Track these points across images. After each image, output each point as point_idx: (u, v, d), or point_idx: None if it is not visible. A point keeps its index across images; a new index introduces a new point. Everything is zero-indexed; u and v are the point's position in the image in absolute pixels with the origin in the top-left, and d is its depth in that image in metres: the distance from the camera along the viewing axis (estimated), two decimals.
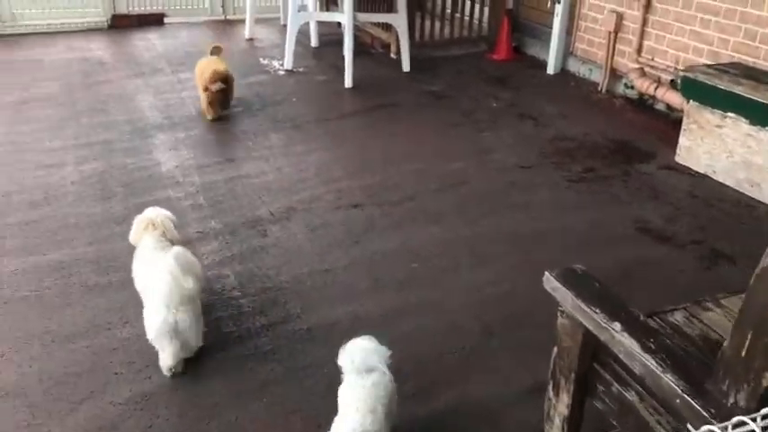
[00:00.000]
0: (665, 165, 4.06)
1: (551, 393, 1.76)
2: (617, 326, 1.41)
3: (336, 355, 1.98)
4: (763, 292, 1.13)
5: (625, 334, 1.39)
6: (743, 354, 1.17)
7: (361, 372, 1.90)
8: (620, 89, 5.14)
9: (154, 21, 6.84)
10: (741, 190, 3.70)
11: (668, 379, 1.27)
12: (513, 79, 5.56)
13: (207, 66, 4.44)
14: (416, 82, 5.40)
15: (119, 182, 3.65)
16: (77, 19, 6.57)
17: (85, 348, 2.46)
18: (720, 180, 3.81)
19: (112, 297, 2.73)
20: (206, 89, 4.34)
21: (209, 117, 4.45)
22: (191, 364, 2.37)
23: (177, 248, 2.29)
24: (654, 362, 1.31)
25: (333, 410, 1.92)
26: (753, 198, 3.64)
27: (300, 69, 5.57)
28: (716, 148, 3.80)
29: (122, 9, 6.70)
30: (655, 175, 3.94)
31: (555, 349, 1.71)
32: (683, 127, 4.00)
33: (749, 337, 1.15)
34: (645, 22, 4.80)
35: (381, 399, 1.86)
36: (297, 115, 4.67)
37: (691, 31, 4.50)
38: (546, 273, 1.62)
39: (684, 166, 4.00)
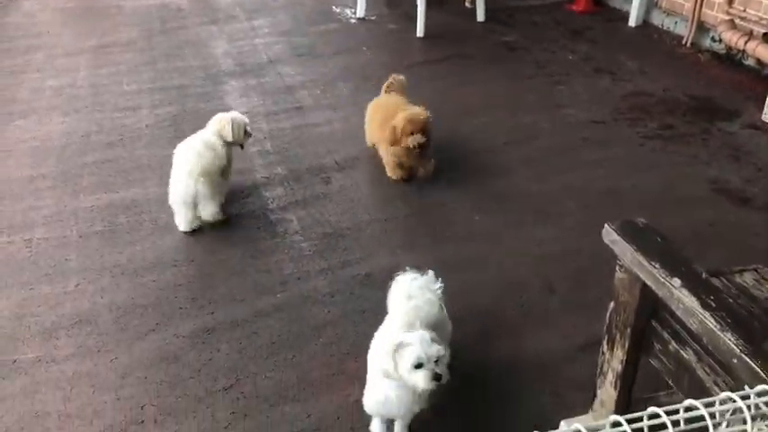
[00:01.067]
0: (750, 124, 3.83)
1: (605, 348, 1.72)
2: (676, 282, 1.35)
3: None
4: None
5: (684, 290, 1.33)
6: None
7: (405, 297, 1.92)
8: (707, 43, 4.85)
9: None
10: None
11: (726, 338, 1.22)
12: (591, 31, 5.33)
13: (389, 108, 3.20)
14: (490, 32, 5.25)
15: (191, 126, 3.70)
16: None
17: (152, 282, 2.56)
18: None
19: (179, 236, 2.82)
20: (395, 142, 3.06)
21: (395, 177, 3.21)
22: (250, 303, 2.44)
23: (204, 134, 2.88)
24: (713, 320, 1.26)
25: None
26: None
27: (372, 18, 5.50)
28: None
29: None
30: (738, 135, 3.73)
31: (611, 304, 1.67)
32: None
33: None
34: None
35: (422, 318, 1.85)
36: (366, 64, 4.64)
37: None
38: (606, 225, 1.56)
39: None
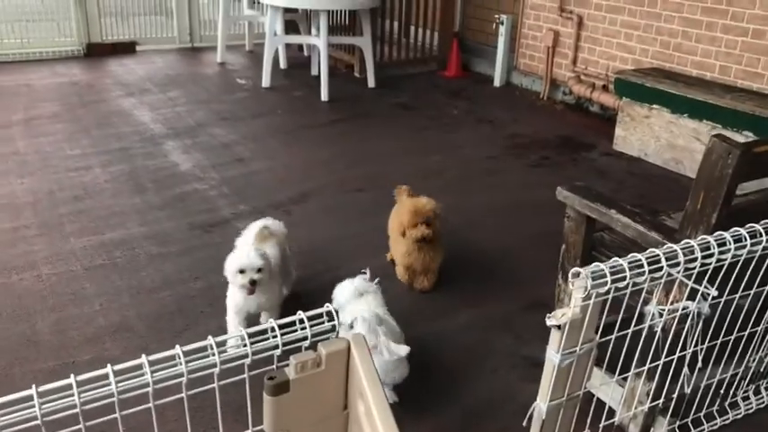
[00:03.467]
0: (606, 152, 4.89)
1: (560, 281, 2.44)
2: (613, 211, 2.11)
3: None
4: (707, 165, 1.85)
5: (620, 215, 2.08)
6: (698, 207, 1.89)
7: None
8: (560, 96, 6.00)
9: (127, 49, 7.31)
10: (668, 167, 4.55)
11: (653, 234, 1.97)
12: (466, 92, 6.35)
13: (401, 209, 3.02)
14: (383, 96, 6.11)
15: (147, 179, 4.16)
16: (54, 48, 6.98)
17: (168, 297, 2.98)
18: (651, 161, 4.65)
19: (177, 261, 3.25)
20: (403, 234, 2.94)
21: (404, 280, 3.08)
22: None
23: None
24: (643, 227, 2.01)
25: None
26: (678, 173, 4.49)
27: (277, 86, 6.18)
28: (646, 135, 4.66)
29: (96, 38, 7.14)
30: (598, 160, 4.76)
31: (563, 246, 2.40)
32: (618, 120, 4.85)
33: (702, 194, 1.86)
34: (578, 38, 5.69)
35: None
36: (285, 123, 5.28)
37: (617, 44, 5.40)
38: (558, 187, 2.30)
39: (621, 152, 4.84)
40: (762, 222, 1.77)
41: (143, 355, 1.21)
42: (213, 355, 1.28)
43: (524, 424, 1.83)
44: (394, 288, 3.03)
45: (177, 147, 4.71)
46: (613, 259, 1.61)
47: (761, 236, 1.75)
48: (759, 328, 2.13)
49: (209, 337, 1.28)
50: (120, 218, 3.67)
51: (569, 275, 1.60)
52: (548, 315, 1.65)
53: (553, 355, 1.69)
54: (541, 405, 1.77)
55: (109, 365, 1.19)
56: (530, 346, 2.70)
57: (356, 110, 5.69)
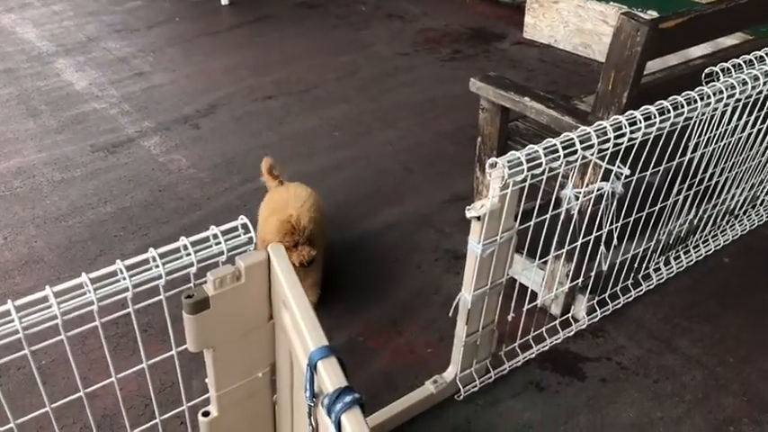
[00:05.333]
0: (516, 41, 4.86)
1: (478, 173, 2.45)
2: (527, 98, 2.10)
3: None
4: (616, 45, 1.84)
5: (534, 102, 2.07)
6: (609, 88, 1.89)
7: None
8: None
9: None
10: (578, 53, 4.57)
11: (567, 119, 1.98)
12: None
13: (272, 207, 2.35)
14: None
15: (40, 101, 3.87)
16: None
17: (78, 224, 2.83)
18: (561, 47, 4.66)
19: (83, 186, 3.08)
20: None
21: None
22: (177, 222, 2.84)
23: None
24: (556, 112, 2.01)
25: None
26: (587, 57, 4.52)
27: None
28: (555, 21, 4.64)
29: None
30: (509, 50, 4.73)
31: (479, 138, 2.39)
32: (527, 7, 4.80)
33: (613, 74, 1.86)
34: None
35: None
36: (185, 31, 4.97)
37: None
38: (471, 79, 2.26)
39: (532, 39, 4.82)
40: (669, 99, 1.79)
41: (47, 287, 1.13)
42: (124, 279, 1.21)
43: (451, 314, 1.87)
44: None
45: (69, 64, 4.37)
46: (528, 146, 1.61)
47: (669, 112, 1.78)
48: (669, 202, 2.21)
49: (118, 261, 1.20)
50: (15, 145, 3.42)
51: (486, 166, 1.59)
52: (467, 207, 1.65)
53: (475, 246, 1.70)
54: (466, 295, 1.80)
55: (9, 301, 1.11)
56: (452, 239, 2.74)
57: (259, 12, 5.40)
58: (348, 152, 3.40)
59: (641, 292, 2.41)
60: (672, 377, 2.11)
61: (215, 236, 1.24)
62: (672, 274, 2.50)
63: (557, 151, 1.62)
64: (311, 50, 4.66)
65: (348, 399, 1.02)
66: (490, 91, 2.20)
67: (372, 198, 3.03)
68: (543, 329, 2.18)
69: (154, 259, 1.20)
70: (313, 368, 1.09)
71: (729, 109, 2.01)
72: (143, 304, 1.26)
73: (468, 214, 1.65)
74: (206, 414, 1.42)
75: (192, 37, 4.86)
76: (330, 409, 1.02)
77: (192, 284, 1.27)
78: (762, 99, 2.12)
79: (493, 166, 1.57)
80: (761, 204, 2.82)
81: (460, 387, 2.00)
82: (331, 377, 1.05)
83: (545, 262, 2.13)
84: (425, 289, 2.49)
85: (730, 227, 2.71)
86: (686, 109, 1.80)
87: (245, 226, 1.27)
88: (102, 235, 2.76)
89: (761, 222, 2.82)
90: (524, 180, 1.62)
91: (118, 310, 1.31)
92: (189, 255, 1.20)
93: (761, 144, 2.39)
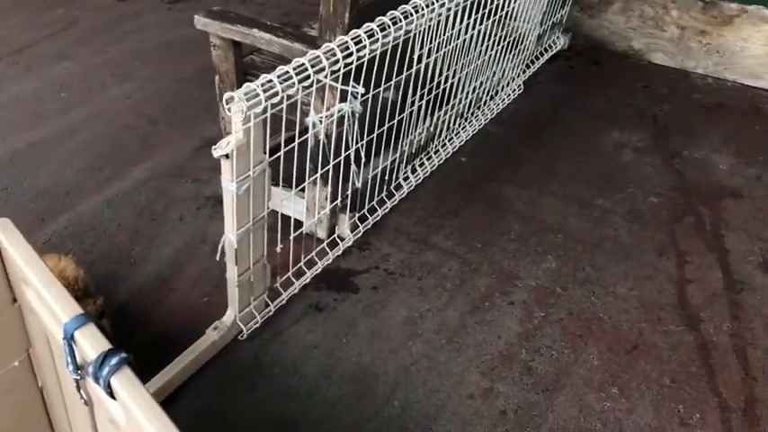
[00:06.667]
0: None
1: (223, 113, 2.39)
2: (255, 30, 2.07)
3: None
4: None
5: (263, 32, 2.06)
6: (331, 10, 1.94)
7: None
8: None
9: None
10: None
11: (297, 45, 2.00)
12: None
13: None
14: None
15: None
16: None
17: None
18: None
19: None
20: None
21: None
22: None
23: None
24: (286, 40, 2.02)
25: None
26: None
27: None
28: None
29: None
30: None
31: (216, 78, 2.33)
32: None
33: None
34: None
35: None
36: None
37: None
38: (195, 16, 2.18)
39: None
40: (388, 14, 1.89)
41: None
42: None
43: (219, 258, 1.85)
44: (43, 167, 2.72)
45: None
46: (262, 77, 1.61)
47: (389, 28, 1.87)
48: (405, 115, 2.36)
49: None
50: None
51: (224, 102, 1.56)
52: (213, 147, 1.62)
53: (229, 185, 1.69)
54: (230, 235, 1.79)
55: None
56: (211, 185, 2.68)
57: None
58: (81, 112, 3.13)
59: (396, 202, 2.58)
60: (433, 271, 2.31)
61: None
62: (419, 181, 2.70)
63: (291, 78, 1.64)
64: (13, 5, 4.15)
65: (114, 361, 0.98)
66: (217, 26, 2.14)
67: (117, 157, 2.84)
68: (313, 254, 2.25)
69: None
70: (71, 340, 1.03)
71: (444, 18, 2.17)
72: None
73: (216, 153, 1.62)
74: None
75: None
76: (97, 376, 0.98)
77: None
78: (473, 3, 2.32)
79: (230, 100, 1.55)
80: (484, 104, 3.13)
81: (242, 327, 2.01)
82: (92, 344, 0.99)
83: (302, 189, 2.17)
84: (192, 240, 2.43)
85: (462, 129, 2.98)
86: (404, 23, 1.91)
87: None
88: None
89: (486, 122, 3.14)
90: (264, 111, 1.63)
91: None
92: None
93: (478, 47, 2.63)
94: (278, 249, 2.03)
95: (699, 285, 2.32)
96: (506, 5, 2.67)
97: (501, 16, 2.68)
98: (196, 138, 2.96)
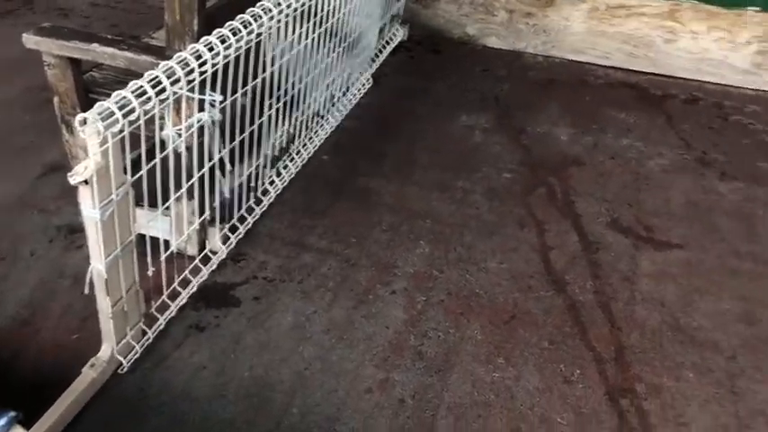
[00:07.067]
0: None
1: (66, 135, 2.23)
2: (95, 44, 1.95)
3: None
4: None
5: (104, 47, 1.94)
6: (178, 18, 1.86)
7: None
8: None
9: None
10: None
11: (144, 57, 1.90)
12: None
13: None
14: None
15: None
16: None
17: None
18: None
19: None
20: None
21: None
22: None
23: None
24: (131, 53, 1.92)
25: None
26: None
27: None
28: None
29: None
30: None
31: (55, 99, 2.16)
32: None
33: (177, 3, 1.84)
34: None
35: None
36: None
37: None
38: (23, 35, 2.01)
39: None
40: (237, 18, 1.85)
41: None
42: None
43: (86, 291, 1.73)
44: None
45: None
46: (115, 93, 1.52)
47: (240, 32, 1.83)
48: (263, 119, 2.32)
49: None
50: None
51: (76, 125, 1.46)
52: (69, 174, 1.51)
53: (91, 212, 1.58)
54: (98, 265, 1.69)
55: None
56: (61, 214, 2.50)
57: None
58: None
59: (265, 208, 2.54)
60: (313, 273, 2.30)
61: None
62: (285, 183, 2.68)
63: (146, 92, 1.56)
64: None
65: (3, 421, 0.90)
66: (51, 44, 1.99)
67: None
68: (186, 272, 2.17)
69: None
70: None
71: (291, 19, 2.16)
72: None
73: (73, 181, 1.51)
74: None
75: None
76: None
77: None
78: (317, 3, 2.33)
79: (84, 123, 1.45)
80: (338, 101, 3.15)
81: (121, 359, 1.90)
82: None
83: (167, 207, 2.08)
84: (48, 276, 2.25)
85: (321, 127, 2.98)
86: (255, 25, 1.87)
87: None
88: None
89: (342, 118, 3.17)
90: (122, 130, 1.54)
91: None
92: None
93: (326, 44, 2.64)
94: (149, 273, 1.93)
95: (559, 251, 2.49)
96: (347, 3, 2.70)
97: (344, 13, 2.71)
98: (36, 165, 2.74)
